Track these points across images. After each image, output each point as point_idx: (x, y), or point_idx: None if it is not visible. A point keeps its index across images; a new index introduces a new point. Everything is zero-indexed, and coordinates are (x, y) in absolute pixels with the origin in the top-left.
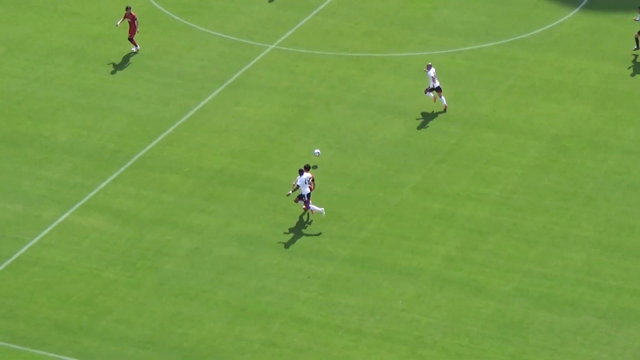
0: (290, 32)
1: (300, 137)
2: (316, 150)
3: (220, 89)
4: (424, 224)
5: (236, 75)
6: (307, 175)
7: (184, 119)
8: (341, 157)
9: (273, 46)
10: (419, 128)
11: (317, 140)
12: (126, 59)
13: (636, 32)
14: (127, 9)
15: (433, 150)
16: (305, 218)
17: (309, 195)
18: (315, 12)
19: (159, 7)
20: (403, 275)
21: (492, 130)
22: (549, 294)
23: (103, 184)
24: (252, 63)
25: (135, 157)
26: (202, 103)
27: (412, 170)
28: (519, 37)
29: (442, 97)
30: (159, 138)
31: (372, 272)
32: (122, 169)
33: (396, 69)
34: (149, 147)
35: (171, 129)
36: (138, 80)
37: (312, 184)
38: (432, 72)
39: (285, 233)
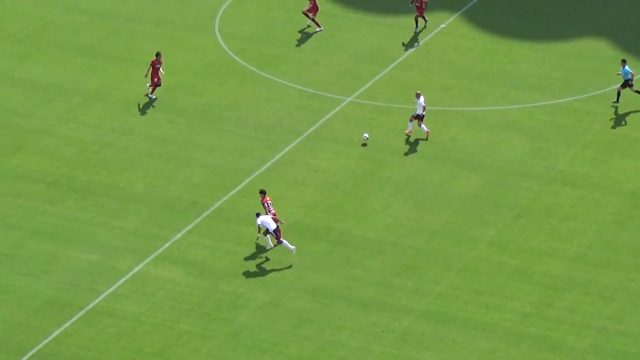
0: (367, 85)
1: (375, 190)
2: (365, 135)
3: (296, 141)
4: (499, 279)
5: (313, 128)
6: (263, 217)
7: (260, 170)
8: (417, 211)
9: (350, 99)
10: (495, 182)
11: (393, 194)
12: (204, 110)
13: (619, 86)
14: (157, 55)
15: (509, 205)
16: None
17: (276, 230)
18: (393, 65)
19: (238, 59)
20: (477, 331)
21: (568, 185)
22: (625, 351)
23: (178, 235)
24: (329, 115)
25: (211, 209)
26: (279, 155)
27: (488, 225)
28: (596, 92)
29: (423, 125)
30: (235, 189)
31: (446, 327)
32: (198, 220)
33: (473, 123)
34: (225, 198)
35: (247, 180)
36: (215, 132)
37: (275, 219)
38: (422, 100)
39: (359, 286)
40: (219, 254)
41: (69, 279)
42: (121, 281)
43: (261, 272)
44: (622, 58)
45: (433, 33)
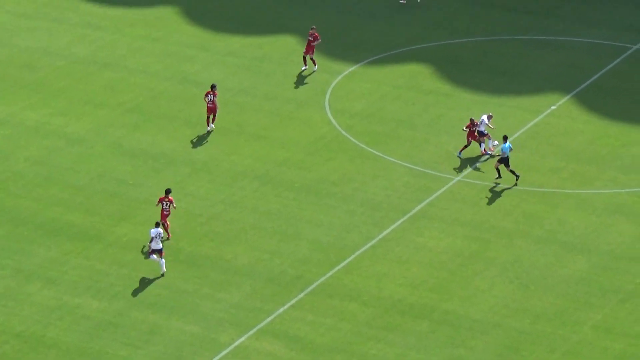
0: (476, 164)
1: (481, 270)
2: (495, 142)
3: (403, 219)
4: None
5: (420, 206)
6: (156, 230)
7: (366, 247)
8: (522, 292)
9: (459, 178)
10: (602, 266)
11: (499, 274)
12: (311, 185)
13: (496, 162)
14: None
15: (616, 289)
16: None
17: (160, 250)
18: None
19: (347, 135)
20: None
21: None
22: None
23: (281, 309)
24: (436, 194)
25: (315, 284)
26: (385, 232)
27: (593, 309)
28: None
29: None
30: (340, 265)
31: None
32: (302, 295)
33: (582, 206)
34: (330, 274)
35: (352, 257)
36: (322, 207)
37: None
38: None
39: None
40: (321, 330)
41: (171, 349)
42: (223, 354)
43: (363, 349)
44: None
45: (543, 115)
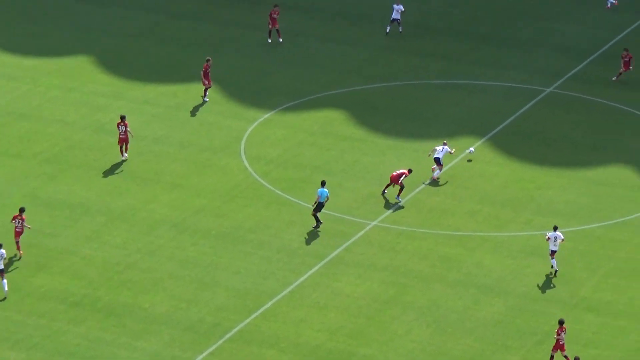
0: (392, 210)
1: (399, 315)
2: (471, 149)
3: (320, 265)
4: None
5: (336, 252)
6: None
7: (283, 293)
8: (440, 336)
9: (374, 223)
10: (519, 308)
11: (416, 319)
12: (228, 233)
13: (312, 210)
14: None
15: (532, 331)
16: None
17: (2, 271)
18: (418, 189)
19: (263, 182)
20: None
21: (591, 312)
22: None
23: (200, 357)
24: (353, 239)
25: (234, 331)
26: (302, 278)
27: (510, 351)
28: (621, 219)
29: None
30: (258, 312)
31: None
32: (220, 342)
33: (498, 248)
34: (248, 321)
35: (270, 303)
36: (239, 254)
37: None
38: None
39: None
40: None
41: None
42: None
43: None
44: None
45: (458, 158)
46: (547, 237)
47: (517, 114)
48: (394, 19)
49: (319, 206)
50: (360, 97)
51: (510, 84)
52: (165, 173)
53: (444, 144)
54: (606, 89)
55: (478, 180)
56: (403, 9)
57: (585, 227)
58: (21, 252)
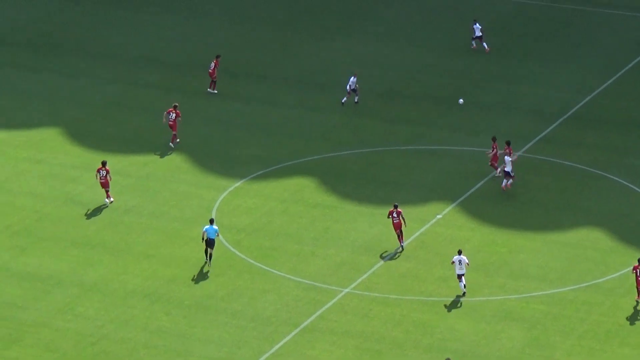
0: (364, 276)
1: None
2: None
3: (294, 333)
4: None
5: (310, 319)
6: None
7: None
8: None
9: (347, 290)
10: None
11: None
12: (200, 302)
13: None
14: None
15: None
16: None
17: None
18: (390, 255)
19: (235, 251)
20: None
21: None
22: None
23: None
24: (326, 307)
25: None
26: (276, 347)
27: None
28: (594, 281)
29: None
30: None
31: None
32: None
33: (471, 313)
34: None
35: None
36: (212, 323)
37: None
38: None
39: None
40: None
41: None
42: None
43: None
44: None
45: (429, 224)
46: (452, 262)
47: (487, 178)
48: (351, 90)
49: (208, 243)
50: (330, 164)
51: (479, 148)
52: (137, 243)
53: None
54: (575, 151)
55: (450, 246)
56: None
57: (558, 290)
58: None
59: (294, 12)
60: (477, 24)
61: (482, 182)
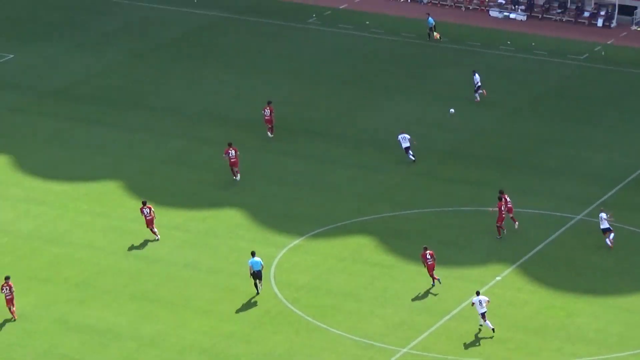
0: (423, 336)
1: None
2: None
3: None
4: None
5: None
6: None
7: None
8: None
9: (405, 350)
10: None
11: None
12: (257, 359)
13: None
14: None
15: None
16: None
17: None
18: (448, 316)
19: (293, 308)
20: None
21: None
22: None
23: None
24: None
25: None
26: None
27: None
28: None
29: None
30: None
31: None
32: None
33: None
34: None
35: None
36: None
37: None
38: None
39: None
40: None
41: None
42: None
43: None
44: None
45: (488, 286)
46: (472, 303)
47: (547, 241)
48: (405, 148)
49: (255, 275)
50: (390, 223)
51: (539, 211)
52: (195, 298)
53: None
54: (636, 215)
55: (508, 308)
56: (408, 137)
57: (617, 355)
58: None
59: (356, 71)
60: (477, 75)
61: (541, 245)
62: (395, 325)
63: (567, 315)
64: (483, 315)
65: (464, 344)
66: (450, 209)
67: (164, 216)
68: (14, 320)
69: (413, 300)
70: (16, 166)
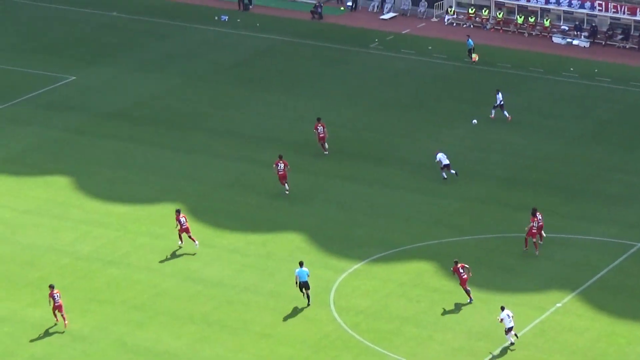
0: None
1: None
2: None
3: None
4: None
5: None
6: None
7: None
8: None
9: None
10: None
11: None
12: None
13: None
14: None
15: None
16: None
17: None
18: (507, 343)
19: (353, 333)
20: None
21: None
22: None
23: None
24: None
25: None
26: None
27: None
28: None
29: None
30: None
31: None
32: None
33: None
34: None
35: None
36: None
37: None
38: None
39: None
40: None
41: None
42: None
43: None
44: None
45: (548, 312)
46: (500, 320)
47: (608, 268)
48: (444, 165)
49: (302, 285)
50: (450, 249)
51: (601, 238)
52: (254, 322)
53: None
54: None
55: (568, 335)
56: (444, 156)
57: None
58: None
59: (418, 95)
60: (500, 94)
61: (603, 272)
62: (455, 350)
63: (627, 343)
64: (510, 329)
65: None
66: (510, 235)
67: (223, 239)
68: (65, 327)
69: (472, 326)
70: (77, 188)
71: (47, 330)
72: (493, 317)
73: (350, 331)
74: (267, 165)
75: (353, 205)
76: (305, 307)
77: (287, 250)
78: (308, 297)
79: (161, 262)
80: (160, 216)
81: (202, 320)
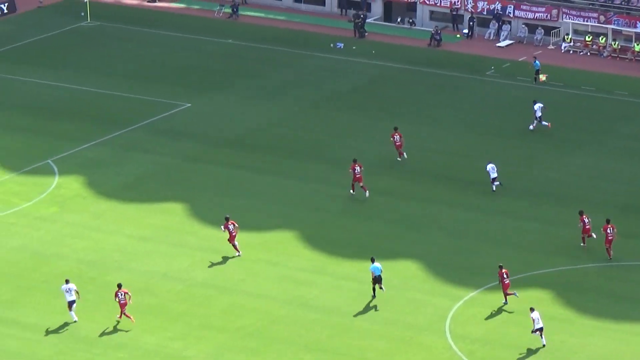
0: None
1: None
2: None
3: None
4: None
5: None
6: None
7: None
8: None
9: None
10: None
11: None
12: None
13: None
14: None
15: None
16: None
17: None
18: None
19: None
20: None
21: None
22: None
23: None
24: None
25: None
26: None
27: None
28: None
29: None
30: None
31: None
32: None
33: None
34: None
35: None
36: None
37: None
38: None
39: None
40: None
41: None
42: None
43: None
44: None
45: None
46: (533, 319)
47: None
48: (493, 178)
49: (376, 280)
50: (568, 277)
51: None
52: (369, 349)
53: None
54: None
55: None
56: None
57: None
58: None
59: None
60: (537, 104)
61: None
62: None
63: None
64: (540, 330)
65: None
66: (629, 263)
67: (338, 266)
68: (133, 322)
69: (589, 355)
70: (192, 214)
71: (162, 357)
72: (610, 347)
73: (465, 359)
74: (382, 193)
75: (469, 234)
76: (419, 336)
77: (403, 278)
78: (375, 290)
79: (276, 289)
80: (275, 243)
81: (317, 347)
